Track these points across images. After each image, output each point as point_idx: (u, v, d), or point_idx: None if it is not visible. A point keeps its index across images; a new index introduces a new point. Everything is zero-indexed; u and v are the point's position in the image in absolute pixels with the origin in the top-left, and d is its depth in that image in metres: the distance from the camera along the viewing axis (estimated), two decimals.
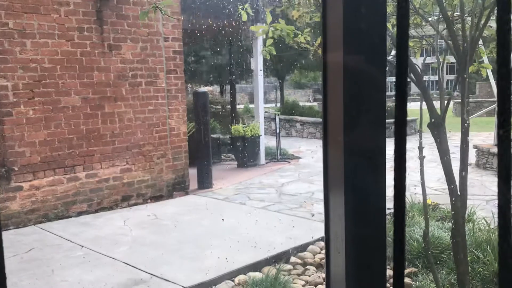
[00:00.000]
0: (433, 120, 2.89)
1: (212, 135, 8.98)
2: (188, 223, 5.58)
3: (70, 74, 5.89)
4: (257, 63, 9.32)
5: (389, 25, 3.01)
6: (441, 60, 3.29)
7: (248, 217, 5.66)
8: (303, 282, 4.00)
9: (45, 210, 5.74)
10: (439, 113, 2.95)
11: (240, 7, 3.80)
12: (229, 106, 12.26)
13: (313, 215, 5.80)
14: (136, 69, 6.53)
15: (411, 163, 6.31)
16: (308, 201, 6.54)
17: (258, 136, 9.42)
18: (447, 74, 27.60)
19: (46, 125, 5.71)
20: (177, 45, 7.04)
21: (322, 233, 4.40)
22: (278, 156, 10.14)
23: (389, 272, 3.06)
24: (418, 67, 3.04)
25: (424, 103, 3.05)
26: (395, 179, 0.44)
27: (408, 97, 0.48)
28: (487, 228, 4.56)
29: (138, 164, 6.65)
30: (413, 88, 25.71)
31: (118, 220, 5.76)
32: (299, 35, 3.63)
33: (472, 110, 15.57)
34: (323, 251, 3.84)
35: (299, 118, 15.52)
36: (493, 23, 2.95)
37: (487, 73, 4.08)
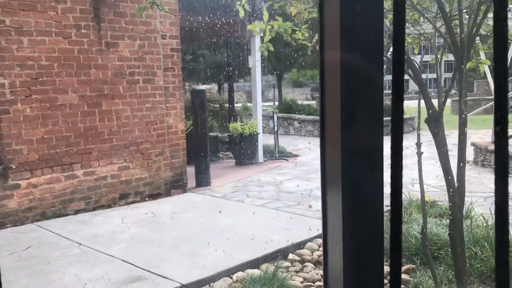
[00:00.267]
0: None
1: (210, 133, 8.98)
2: (186, 221, 5.58)
3: (68, 72, 5.87)
4: (255, 61, 9.31)
5: (387, 21, 3.00)
6: (439, 56, 3.29)
7: (246, 215, 5.66)
8: (301, 279, 4.01)
9: (43, 208, 5.73)
10: (437, 109, 2.95)
11: (238, 3, 3.78)
12: (227, 104, 12.25)
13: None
14: (133, 66, 6.52)
15: (409, 161, 6.32)
16: (306, 198, 6.54)
17: (256, 134, 9.41)
18: (445, 72, 27.61)
19: (43, 123, 5.69)
20: (175, 43, 7.03)
21: (320, 230, 4.41)
22: (276, 154, 10.14)
23: (387, 268, 3.06)
24: (416, 63, 3.05)
25: (422, 100, 3.06)
26: (392, 176, 0.44)
27: (406, 95, 0.48)
28: (484, 224, 4.57)
29: (136, 162, 6.64)
30: (411, 86, 25.71)
31: (116, 218, 5.75)
32: (297, 32, 3.62)
33: (470, 108, 15.57)
34: (321, 248, 3.84)
35: (297, 116, 15.52)
36: (490, 21, 2.95)
37: (484, 70, 4.08)
